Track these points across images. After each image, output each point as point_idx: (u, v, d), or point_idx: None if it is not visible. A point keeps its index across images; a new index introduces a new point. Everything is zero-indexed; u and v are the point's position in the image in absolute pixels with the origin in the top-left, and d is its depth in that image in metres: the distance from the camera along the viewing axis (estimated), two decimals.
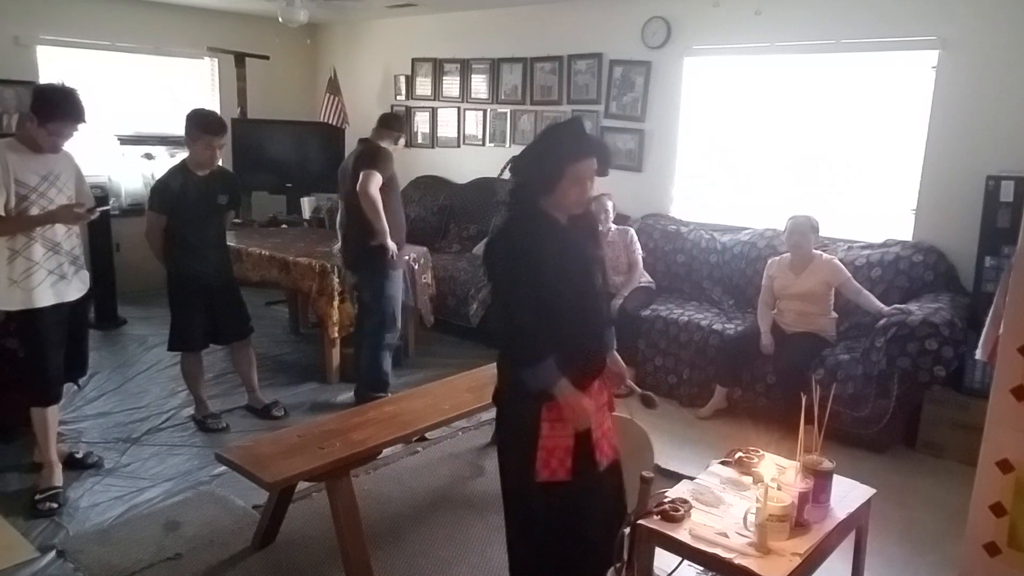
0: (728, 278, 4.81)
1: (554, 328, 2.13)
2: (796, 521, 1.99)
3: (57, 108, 2.95)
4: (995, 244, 3.75)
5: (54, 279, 3.08)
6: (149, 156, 6.31)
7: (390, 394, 3.96)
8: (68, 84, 3.05)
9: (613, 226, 4.80)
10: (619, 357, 2.43)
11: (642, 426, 2.70)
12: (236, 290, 3.95)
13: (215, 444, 3.51)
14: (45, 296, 3.05)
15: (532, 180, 2.14)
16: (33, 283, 3.00)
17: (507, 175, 2.21)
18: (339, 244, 4.28)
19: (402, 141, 4.27)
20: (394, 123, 4.20)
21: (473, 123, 6.51)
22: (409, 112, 6.95)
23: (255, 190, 6.61)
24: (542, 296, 2.11)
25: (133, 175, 6.32)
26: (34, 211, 2.97)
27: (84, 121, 3.04)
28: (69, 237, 3.15)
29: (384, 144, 4.04)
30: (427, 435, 3.55)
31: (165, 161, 6.17)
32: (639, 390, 2.61)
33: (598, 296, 2.27)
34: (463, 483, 3.41)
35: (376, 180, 3.85)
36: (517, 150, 6.84)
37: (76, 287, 3.19)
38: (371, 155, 3.95)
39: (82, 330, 3.38)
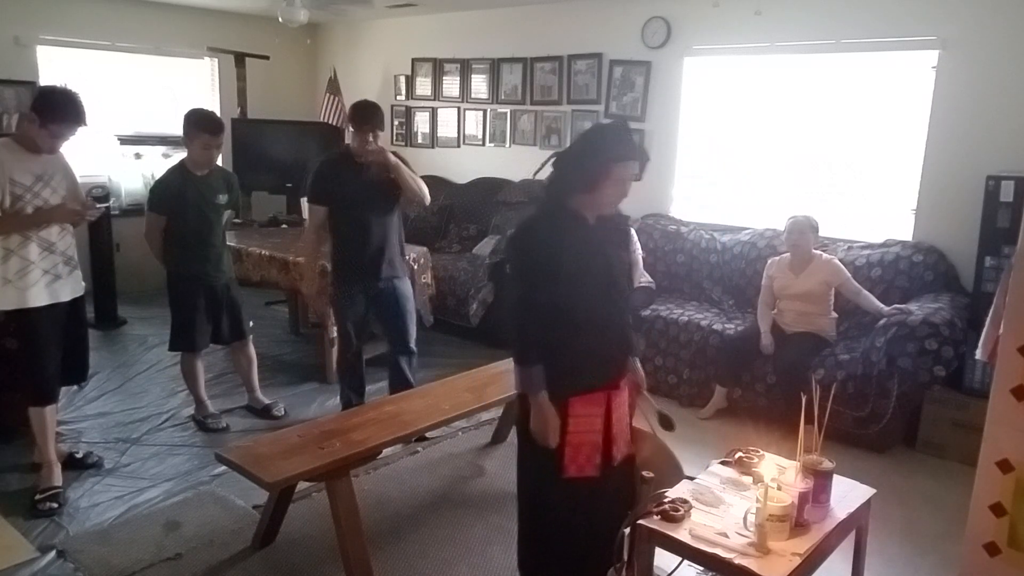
0: (728, 278, 4.81)
1: (568, 328, 2.15)
2: (796, 521, 1.99)
3: (60, 110, 2.95)
4: (995, 244, 3.74)
5: (49, 279, 3.08)
6: (138, 156, 6.30)
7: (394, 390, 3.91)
8: (71, 87, 3.06)
9: None
10: (639, 365, 2.42)
11: (669, 447, 2.55)
12: (236, 290, 3.94)
13: (215, 444, 3.51)
14: (40, 296, 3.04)
15: (573, 177, 2.15)
16: (28, 283, 3.00)
17: (544, 173, 2.22)
18: None
19: (372, 137, 3.48)
20: (355, 116, 3.54)
21: (473, 123, 6.51)
22: (409, 112, 6.95)
23: (255, 190, 6.61)
24: (559, 294, 2.12)
25: (133, 175, 6.32)
26: (28, 211, 2.98)
27: (85, 124, 3.05)
28: (63, 237, 3.15)
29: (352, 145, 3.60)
30: (427, 435, 3.55)
31: (155, 160, 6.17)
32: (655, 405, 2.47)
33: (620, 298, 2.27)
34: (463, 483, 3.41)
35: (310, 214, 3.66)
36: (517, 150, 6.77)
37: (70, 287, 3.19)
38: (309, 178, 3.65)
39: (81, 331, 3.37)
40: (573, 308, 2.15)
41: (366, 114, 3.52)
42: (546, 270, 2.12)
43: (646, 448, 2.42)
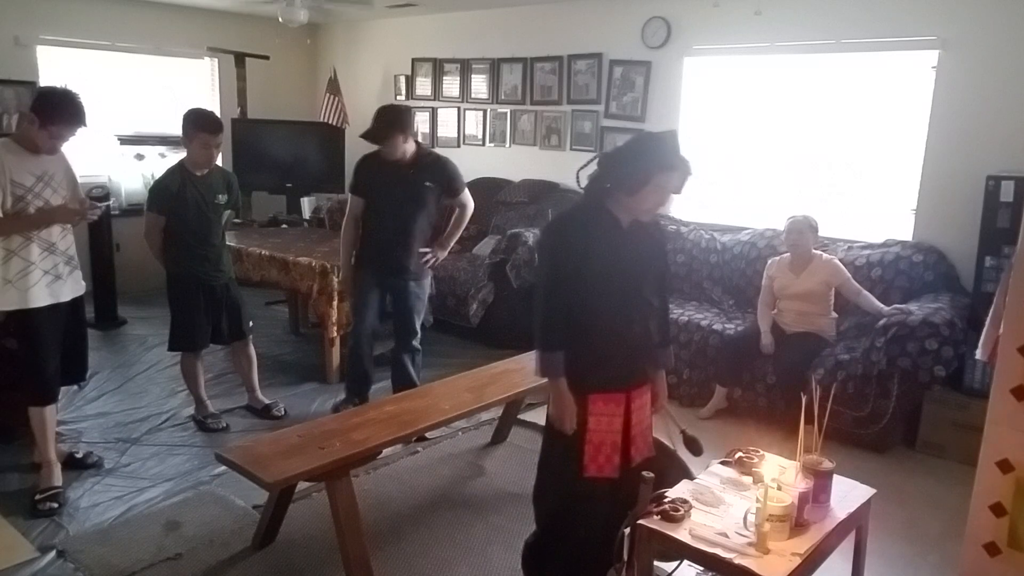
0: (728, 278, 4.81)
1: (588, 325, 2.18)
2: (796, 521, 1.99)
3: (59, 111, 2.95)
4: (995, 244, 3.75)
5: (50, 279, 3.07)
6: (140, 156, 6.28)
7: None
8: (71, 87, 3.05)
9: None
10: (663, 379, 2.42)
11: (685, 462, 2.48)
12: (236, 289, 3.94)
13: (215, 444, 3.50)
14: (41, 296, 3.04)
15: (616, 178, 2.17)
16: (29, 283, 3.00)
17: (585, 174, 2.25)
18: None
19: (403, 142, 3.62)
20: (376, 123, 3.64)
21: (473, 123, 6.51)
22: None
23: (255, 190, 6.61)
24: (582, 290, 2.16)
25: (133, 175, 6.32)
26: (30, 211, 2.97)
27: (85, 125, 3.04)
28: (64, 237, 3.15)
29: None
30: (427, 435, 3.55)
31: (154, 160, 6.16)
32: (680, 425, 2.43)
33: (643, 305, 2.27)
34: (463, 483, 3.41)
35: (349, 204, 3.84)
36: (517, 150, 6.78)
37: (71, 287, 3.19)
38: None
39: (81, 331, 3.37)
40: (594, 306, 2.18)
41: (383, 123, 3.59)
42: (571, 264, 2.16)
43: (664, 462, 2.41)
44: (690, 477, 2.28)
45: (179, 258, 3.69)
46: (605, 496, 2.24)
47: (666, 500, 2.05)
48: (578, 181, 2.30)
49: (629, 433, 2.25)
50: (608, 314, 2.19)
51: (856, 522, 2.21)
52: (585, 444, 2.20)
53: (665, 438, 2.47)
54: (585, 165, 2.27)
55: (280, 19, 5.71)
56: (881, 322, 3.67)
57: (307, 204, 6.47)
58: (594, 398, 2.20)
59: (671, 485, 2.16)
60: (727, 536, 1.94)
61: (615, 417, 2.22)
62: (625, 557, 2.05)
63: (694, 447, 2.40)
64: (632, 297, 2.24)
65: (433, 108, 6.77)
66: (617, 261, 2.19)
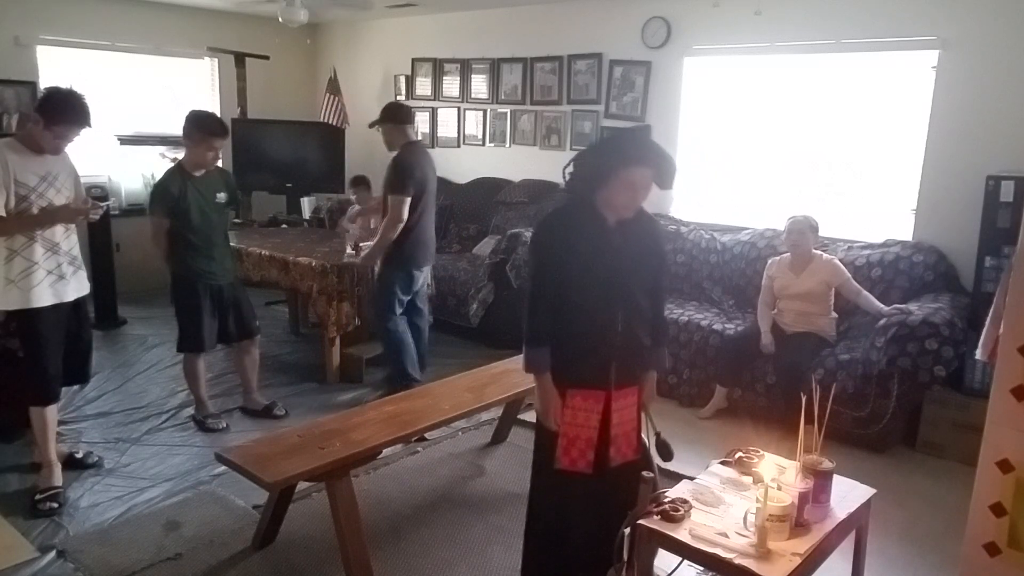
0: (728, 278, 4.81)
1: (570, 320, 2.19)
2: (796, 521, 1.99)
3: (64, 111, 2.95)
4: (995, 244, 3.75)
5: (53, 279, 3.08)
6: (174, 161, 6.13)
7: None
8: (76, 88, 3.05)
9: None
10: (653, 380, 2.42)
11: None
12: (241, 288, 3.94)
13: (215, 444, 3.50)
14: (44, 296, 3.04)
15: (586, 175, 2.20)
16: (32, 283, 3.00)
17: (569, 171, 2.27)
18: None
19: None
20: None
21: (473, 123, 6.51)
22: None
23: (255, 190, 6.61)
24: (564, 286, 2.18)
25: (133, 175, 6.32)
26: (33, 211, 2.98)
27: (90, 125, 3.04)
28: (68, 237, 3.15)
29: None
30: (427, 435, 3.55)
31: (153, 161, 6.14)
32: (656, 429, 2.40)
33: (628, 304, 2.25)
34: (463, 483, 3.41)
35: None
36: (517, 150, 6.79)
37: (74, 287, 3.19)
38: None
39: (84, 332, 3.36)
40: (575, 303, 2.19)
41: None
42: (554, 260, 2.18)
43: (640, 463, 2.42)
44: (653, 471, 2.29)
45: (184, 259, 3.68)
46: (582, 493, 2.25)
47: (666, 500, 2.05)
48: (564, 179, 2.30)
49: (608, 432, 2.25)
50: (589, 311, 2.20)
51: (856, 522, 2.22)
52: (560, 437, 2.24)
53: (643, 438, 2.47)
54: (569, 163, 2.28)
55: (280, 19, 5.70)
56: (881, 322, 3.67)
57: (307, 204, 6.47)
58: (572, 393, 2.22)
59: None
60: (727, 536, 1.95)
61: (592, 414, 2.23)
62: (625, 557, 2.05)
63: (665, 452, 2.39)
64: (615, 296, 2.22)
65: (433, 108, 6.77)
66: (599, 258, 2.19)
